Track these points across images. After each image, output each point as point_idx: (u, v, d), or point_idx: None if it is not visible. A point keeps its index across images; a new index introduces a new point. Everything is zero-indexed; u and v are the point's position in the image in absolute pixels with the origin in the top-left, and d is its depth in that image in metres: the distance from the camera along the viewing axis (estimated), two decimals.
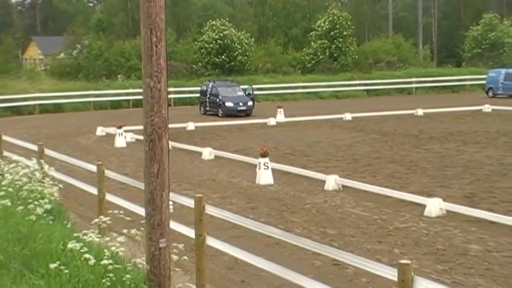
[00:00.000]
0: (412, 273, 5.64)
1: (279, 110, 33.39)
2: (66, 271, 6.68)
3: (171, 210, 7.24)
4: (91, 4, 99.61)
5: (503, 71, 47.40)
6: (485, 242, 10.75)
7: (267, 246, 10.44)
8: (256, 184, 16.45)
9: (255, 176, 16.79)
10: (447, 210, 12.67)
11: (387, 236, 11.38)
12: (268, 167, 16.71)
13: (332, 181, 15.63)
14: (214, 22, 55.27)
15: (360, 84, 52.03)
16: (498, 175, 16.95)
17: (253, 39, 56.48)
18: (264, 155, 16.75)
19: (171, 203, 7.19)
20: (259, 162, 16.73)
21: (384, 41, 64.23)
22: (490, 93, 46.67)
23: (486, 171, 17.49)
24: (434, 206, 12.70)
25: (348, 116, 32.84)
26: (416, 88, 53.60)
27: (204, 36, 54.61)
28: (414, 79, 53.42)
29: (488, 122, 30.37)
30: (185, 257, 7.66)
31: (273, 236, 8.31)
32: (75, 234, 8.24)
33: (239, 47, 53.90)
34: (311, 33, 59.28)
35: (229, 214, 8.83)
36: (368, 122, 31.47)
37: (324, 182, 15.81)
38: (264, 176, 16.61)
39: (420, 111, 34.26)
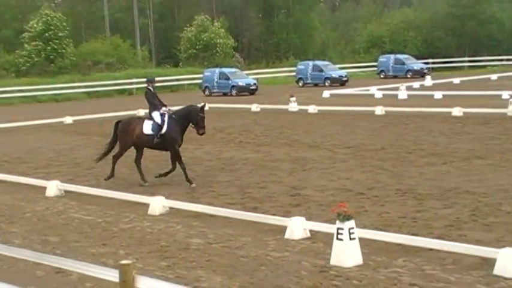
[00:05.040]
0: (134, 273, 5.69)
1: None
2: None
3: None
4: None
5: (217, 70, 50.31)
6: (205, 235, 11.22)
7: None
8: None
9: None
10: (170, 207, 12.98)
11: (112, 238, 11.34)
12: None
13: (53, 187, 15.15)
14: None
15: (79, 87, 51.24)
16: (216, 170, 17.85)
17: None
18: None
19: None
20: None
21: (102, 42, 63.98)
22: (207, 92, 49.17)
23: (205, 167, 18.30)
24: (157, 204, 12.95)
25: (68, 119, 32.11)
26: (137, 89, 54.20)
27: None
28: (134, 80, 53.99)
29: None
30: None
31: None
32: None
33: None
34: (24, 35, 56.92)
35: None
36: (89, 124, 31.06)
37: (45, 188, 15.27)
38: None
39: (142, 112, 34.65)
